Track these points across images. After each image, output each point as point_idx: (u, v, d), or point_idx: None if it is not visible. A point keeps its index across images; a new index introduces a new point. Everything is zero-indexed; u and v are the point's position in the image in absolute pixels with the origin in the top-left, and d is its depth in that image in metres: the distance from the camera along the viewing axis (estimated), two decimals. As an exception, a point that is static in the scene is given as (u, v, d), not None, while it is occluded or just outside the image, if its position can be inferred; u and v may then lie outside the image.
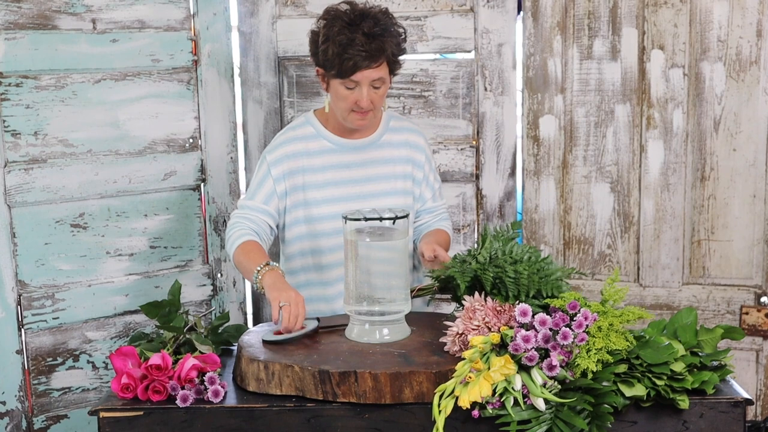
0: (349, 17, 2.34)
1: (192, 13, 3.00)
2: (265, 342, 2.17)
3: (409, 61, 3.11)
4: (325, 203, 2.48)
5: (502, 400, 1.91)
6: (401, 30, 2.41)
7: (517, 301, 2.05)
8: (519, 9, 3.02)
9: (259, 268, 2.28)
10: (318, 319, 2.27)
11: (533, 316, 1.96)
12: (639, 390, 1.94)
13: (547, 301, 2.02)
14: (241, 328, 2.36)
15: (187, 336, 2.23)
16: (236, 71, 3.15)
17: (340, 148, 2.50)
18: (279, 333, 2.19)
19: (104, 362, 2.89)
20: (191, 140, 3.03)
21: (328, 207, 2.47)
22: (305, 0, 3.12)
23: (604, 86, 2.96)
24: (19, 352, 2.75)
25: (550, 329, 1.95)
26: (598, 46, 2.95)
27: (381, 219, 2.13)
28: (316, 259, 2.51)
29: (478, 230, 3.13)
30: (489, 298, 2.09)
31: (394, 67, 2.40)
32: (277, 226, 2.53)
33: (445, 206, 2.68)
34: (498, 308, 2.06)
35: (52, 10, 2.74)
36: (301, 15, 3.12)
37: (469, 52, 3.06)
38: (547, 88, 3.01)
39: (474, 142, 3.09)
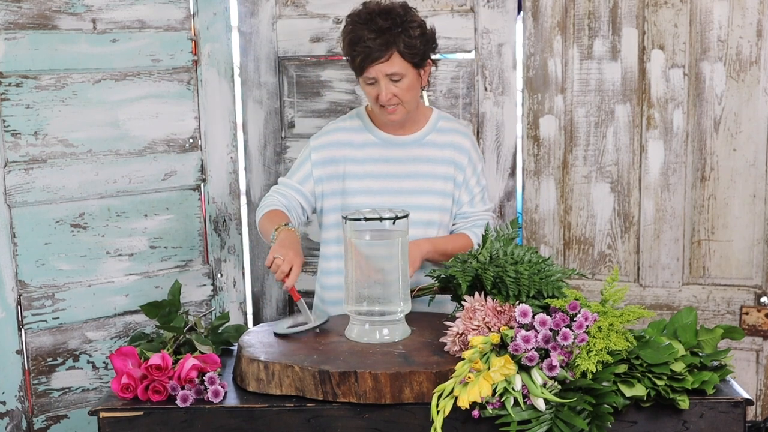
0: (362, 16, 2.38)
1: (192, 13, 3.00)
2: (276, 334, 2.21)
3: (409, 61, 3.11)
4: (362, 194, 2.50)
5: (502, 400, 1.90)
6: (416, 23, 2.40)
7: (518, 302, 2.05)
8: (519, 9, 3.02)
9: (278, 228, 2.35)
10: (328, 318, 2.30)
11: (533, 317, 1.96)
12: (639, 390, 1.94)
13: (548, 301, 2.02)
14: (241, 328, 2.36)
15: (187, 336, 2.23)
16: (236, 71, 3.15)
17: (384, 143, 2.53)
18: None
19: (104, 362, 2.89)
20: (191, 140, 3.03)
21: (364, 198, 2.49)
22: (305, 0, 3.12)
23: (605, 86, 2.96)
24: (19, 352, 2.75)
25: (551, 329, 1.95)
26: (598, 46, 2.95)
27: (381, 219, 2.13)
28: None
29: (478, 230, 3.13)
30: (489, 298, 2.09)
31: (415, 60, 2.39)
32: (314, 211, 2.58)
33: (487, 212, 2.62)
34: (498, 308, 2.06)
35: (52, 10, 2.74)
36: (301, 15, 3.12)
37: (470, 52, 3.06)
38: (547, 88, 3.01)
39: (474, 142, 3.09)
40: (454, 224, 2.59)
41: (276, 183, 2.63)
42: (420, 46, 2.38)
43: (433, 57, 2.48)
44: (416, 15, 2.43)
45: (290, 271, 2.23)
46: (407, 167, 2.53)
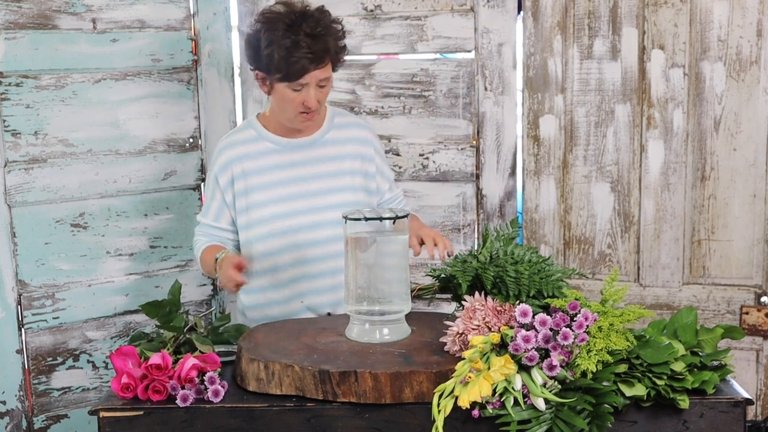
0: (290, 19, 2.32)
1: (192, 12, 3.00)
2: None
3: (410, 60, 3.11)
4: (270, 204, 2.47)
5: (502, 400, 1.90)
6: (339, 26, 2.41)
7: (518, 302, 2.05)
8: (519, 9, 3.02)
9: (217, 258, 2.38)
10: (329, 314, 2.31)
11: (533, 317, 1.96)
12: (639, 390, 1.94)
13: (548, 300, 2.02)
14: (241, 328, 2.36)
15: (187, 336, 2.23)
16: (236, 71, 3.15)
17: (284, 148, 2.50)
18: None
19: (104, 362, 2.90)
20: (191, 140, 3.03)
21: (273, 207, 2.46)
22: (305, 1, 3.12)
23: (605, 86, 2.96)
24: (19, 351, 2.75)
25: (551, 329, 1.95)
26: (599, 45, 2.95)
27: (381, 219, 2.13)
28: (272, 260, 2.50)
29: (478, 230, 3.13)
30: (489, 298, 2.09)
31: (336, 64, 2.41)
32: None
33: (401, 193, 2.70)
34: (498, 308, 2.06)
35: (52, 10, 2.74)
36: (301, 15, 3.12)
37: (470, 51, 3.06)
38: (547, 88, 3.01)
39: (474, 142, 3.09)
40: None
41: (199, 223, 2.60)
42: (342, 49, 2.41)
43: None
44: (336, 19, 2.41)
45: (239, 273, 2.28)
46: (312, 168, 2.50)
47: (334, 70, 2.42)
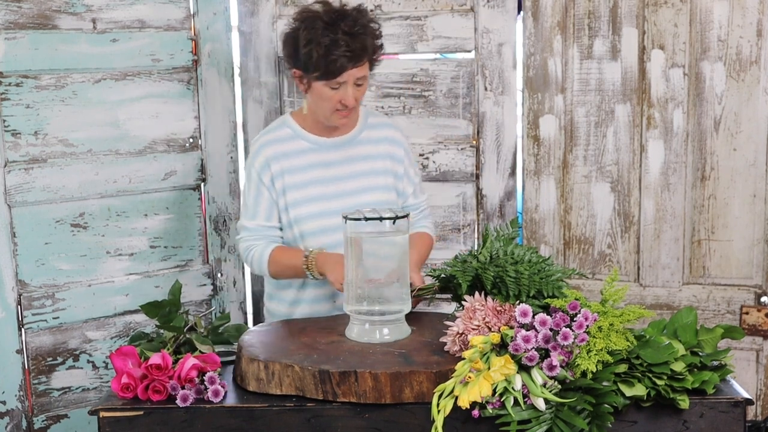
0: (328, 17, 2.34)
1: (192, 12, 3.00)
2: None
3: (410, 60, 3.11)
4: (306, 203, 2.48)
5: (502, 400, 1.90)
6: (376, 26, 2.42)
7: (518, 302, 2.05)
8: (519, 9, 3.02)
9: (305, 264, 2.38)
10: None
11: (533, 317, 1.96)
12: (639, 390, 1.94)
13: (548, 301, 2.02)
14: (241, 328, 2.37)
15: (187, 336, 2.23)
16: (236, 71, 3.15)
17: (319, 147, 2.51)
18: None
19: (104, 362, 2.89)
20: (191, 140, 3.03)
21: (310, 206, 2.47)
22: (305, 0, 3.12)
23: (605, 86, 2.96)
24: (19, 351, 2.75)
25: (551, 329, 1.95)
26: (599, 45, 2.95)
27: (381, 219, 2.13)
28: None
29: (478, 230, 3.13)
30: (489, 298, 2.09)
31: (373, 63, 2.42)
32: None
33: (426, 202, 2.69)
34: (498, 308, 2.06)
35: (52, 10, 2.74)
36: (301, 15, 3.12)
37: (470, 51, 3.06)
38: (547, 88, 3.01)
39: (474, 142, 3.09)
40: None
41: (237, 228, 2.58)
42: (379, 48, 2.42)
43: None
44: (372, 17, 2.43)
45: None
46: (347, 168, 2.51)
47: (371, 69, 2.43)
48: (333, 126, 2.48)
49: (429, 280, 2.37)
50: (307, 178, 2.49)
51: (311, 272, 2.38)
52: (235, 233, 2.65)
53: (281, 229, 2.52)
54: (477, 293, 2.11)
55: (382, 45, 2.44)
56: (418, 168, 2.65)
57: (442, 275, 2.23)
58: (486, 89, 3.05)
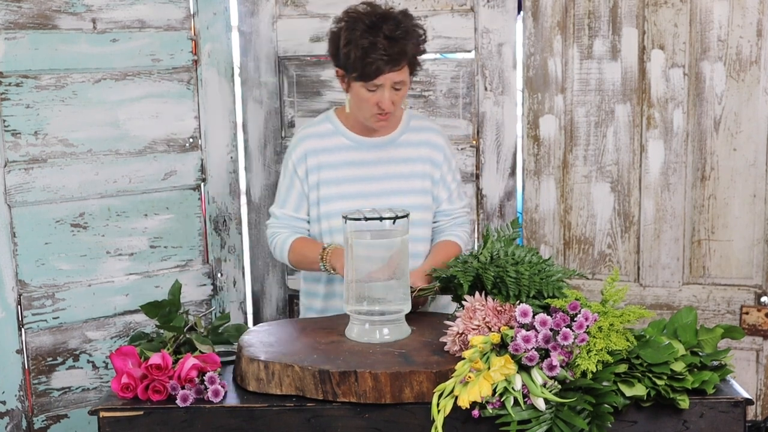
0: (370, 19, 2.34)
1: (192, 12, 3.00)
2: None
3: (409, 60, 3.11)
4: (339, 199, 2.49)
5: (502, 399, 1.90)
6: (421, 31, 2.41)
7: (518, 302, 2.05)
8: (519, 9, 3.02)
9: (320, 256, 2.39)
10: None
11: (534, 317, 1.96)
12: (639, 390, 1.94)
13: (548, 301, 2.02)
14: (241, 328, 2.36)
15: (187, 336, 2.23)
16: (236, 71, 3.15)
17: (358, 145, 2.52)
18: None
19: (104, 362, 2.89)
20: (191, 140, 3.03)
21: (342, 203, 2.47)
22: (305, 0, 3.12)
23: (605, 86, 2.96)
24: (19, 351, 2.75)
25: (551, 329, 1.95)
26: (598, 45, 2.95)
27: (381, 219, 2.13)
28: None
29: (478, 230, 3.13)
30: (489, 298, 2.09)
31: (414, 68, 2.41)
32: None
33: (465, 209, 2.65)
34: (498, 308, 2.06)
35: (52, 10, 2.74)
36: (301, 15, 3.12)
37: (470, 51, 3.06)
38: (547, 88, 3.01)
39: (474, 142, 3.09)
40: (435, 222, 2.59)
41: (270, 213, 2.61)
42: (421, 53, 2.40)
43: (423, 58, 2.50)
44: (419, 23, 2.42)
45: None
46: (384, 168, 2.51)
47: (412, 74, 2.42)
48: (375, 128, 2.49)
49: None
50: (343, 175, 2.50)
51: (324, 264, 2.39)
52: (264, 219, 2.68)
53: (309, 222, 2.54)
54: (477, 293, 2.11)
55: (424, 50, 2.43)
56: (458, 175, 2.63)
57: (443, 276, 2.23)
58: (486, 89, 3.05)
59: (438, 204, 2.58)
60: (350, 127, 2.52)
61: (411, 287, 2.26)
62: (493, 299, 2.08)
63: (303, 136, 2.54)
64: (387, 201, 2.44)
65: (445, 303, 2.54)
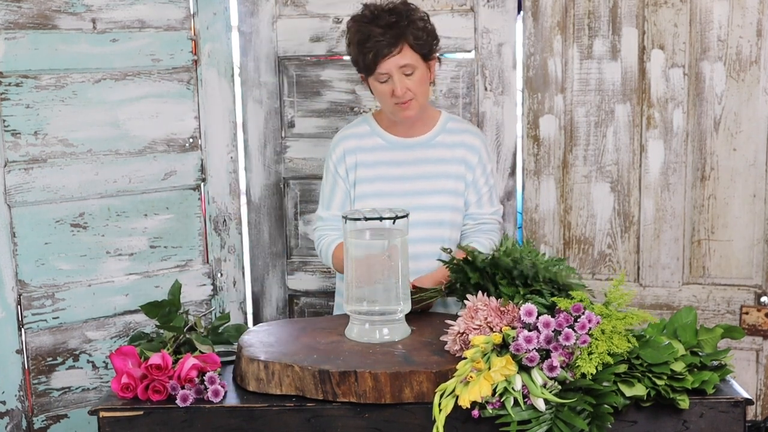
0: (366, 17, 2.41)
1: (192, 12, 3.00)
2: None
3: (409, 60, 3.11)
4: (374, 197, 2.51)
5: (502, 400, 1.90)
6: (422, 14, 2.44)
7: (524, 298, 2.05)
8: (519, 9, 3.02)
9: None
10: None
11: (537, 317, 1.96)
12: (639, 390, 1.94)
13: (554, 299, 2.02)
14: (241, 328, 2.36)
15: (187, 336, 2.23)
16: (236, 71, 3.15)
17: (393, 145, 2.55)
18: None
19: (104, 362, 2.89)
20: (191, 140, 3.03)
21: (375, 201, 2.48)
22: (305, 0, 3.12)
23: (604, 86, 2.96)
24: (19, 351, 2.75)
25: (553, 330, 1.95)
26: (598, 45, 2.95)
27: (381, 219, 2.13)
28: None
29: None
30: (492, 298, 2.09)
31: (423, 50, 2.42)
32: None
33: (494, 216, 2.62)
34: (501, 308, 2.06)
35: (52, 10, 2.74)
36: (301, 15, 3.12)
37: (469, 51, 3.06)
38: (547, 88, 3.01)
39: (474, 142, 3.09)
40: (463, 225, 2.60)
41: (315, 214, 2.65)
42: (426, 36, 2.42)
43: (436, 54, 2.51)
44: (418, 9, 2.46)
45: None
46: (418, 168, 2.54)
47: (426, 59, 2.43)
48: (401, 122, 2.51)
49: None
50: (377, 174, 2.53)
51: None
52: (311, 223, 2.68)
53: None
54: (480, 293, 2.11)
55: (430, 31, 2.44)
56: (492, 179, 2.61)
57: (454, 261, 2.22)
58: (486, 89, 3.05)
59: (467, 207, 2.59)
60: (386, 128, 2.56)
61: (411, 290, 2.26)
62: (499, 295, 2.08)
63: (341, 137, 2.59)
64: (419, 201, 2.47)
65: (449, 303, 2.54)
